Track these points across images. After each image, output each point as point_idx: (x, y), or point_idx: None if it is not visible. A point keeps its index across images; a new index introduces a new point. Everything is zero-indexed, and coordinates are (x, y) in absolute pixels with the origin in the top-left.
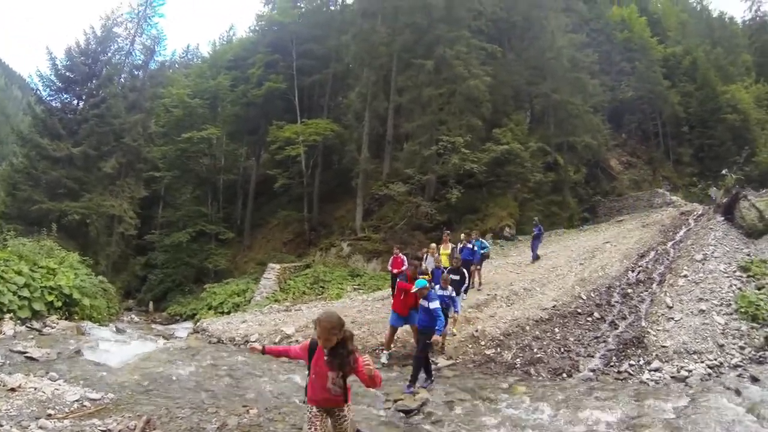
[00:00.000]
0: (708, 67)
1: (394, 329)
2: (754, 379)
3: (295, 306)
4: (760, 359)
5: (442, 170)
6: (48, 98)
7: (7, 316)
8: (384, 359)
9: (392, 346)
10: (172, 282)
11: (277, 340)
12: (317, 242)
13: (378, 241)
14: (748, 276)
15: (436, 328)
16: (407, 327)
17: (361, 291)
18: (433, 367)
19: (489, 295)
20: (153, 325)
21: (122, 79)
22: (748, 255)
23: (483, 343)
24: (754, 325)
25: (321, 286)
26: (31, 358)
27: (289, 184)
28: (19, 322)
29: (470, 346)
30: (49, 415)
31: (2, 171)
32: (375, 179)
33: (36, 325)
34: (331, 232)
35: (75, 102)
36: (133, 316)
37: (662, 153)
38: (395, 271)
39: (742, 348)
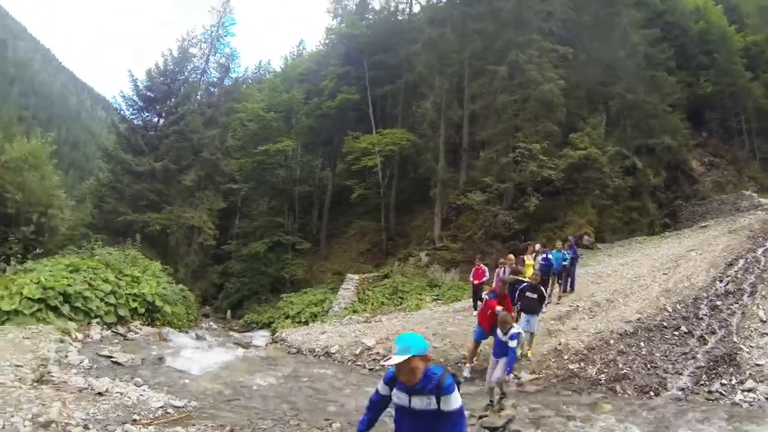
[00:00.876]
0: None
1: (477, 343)
2: None
3: (374, 317)
4: None
5: (520, 178)
6: (131, 117)
7: (95, 321)
8: (466, 373)
9: (475, 359)
10: (248, 290)
11: (357, 352)
12: (394, 252)
13: (456, 251)
14: None
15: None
16: (491, 340)
17: (440, 301)
18: (516, 381)
19: (571, 307)
20: (230, 333)
21: (199, 97)
22: None
23: (566, 357)
24: None
25: (400, 297)
26: (117, 363)
27: (366, 195)
28: (105, 326)
29: (553, 360)
30: (135, 420)
31: (90, 186)
32: (452, 188)
33: (121, 330)
34: (408, 242)
35: (155, 119)
36: (211, 323)
37: (747, 152)
38: (476, 282)
39: None
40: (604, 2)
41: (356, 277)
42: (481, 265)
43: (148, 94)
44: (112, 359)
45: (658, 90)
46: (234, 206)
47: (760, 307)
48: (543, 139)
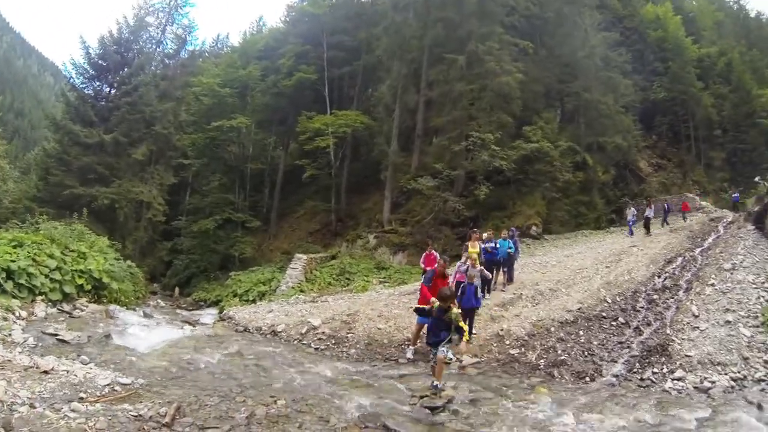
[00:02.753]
0: (743, 69)
1: (420, 326)
2: None
3: (321, 297)
4: None
5: (471, 166)
6: (81, 86)
7: (39, 298)
8: (409, 354)
9: (418, 342)
10: (197, 268)
11: (303, 331)
12: (343, 233)
13: (404, 235)
14: None
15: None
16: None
17: (386, 284)
18: (458, 365)
19: (515, 295)
20: (178, 310)
21: (154, 68)
22: None
23: (508, 342)
24: None
25: (347, 278)
26: (63, 341)
27: (317, 175)
28: (50, 304)
29: (495, 345)
30: (81, 398)
31: (35, 156)
32: (403, 173)
33: (66, 307)
34: (357, 224)
35: (107, 90)
36: (159, 300)
37: (693, 156)
38: (427, 268)
39: (766, 362)
40: (567, 1)
41: (304, 257)
42: (432, 250)
43: (100, 62)
44: (57, 337)
45: (613, 91)
46: (185, 182)
47: (694, 302)
48: (497, 129)
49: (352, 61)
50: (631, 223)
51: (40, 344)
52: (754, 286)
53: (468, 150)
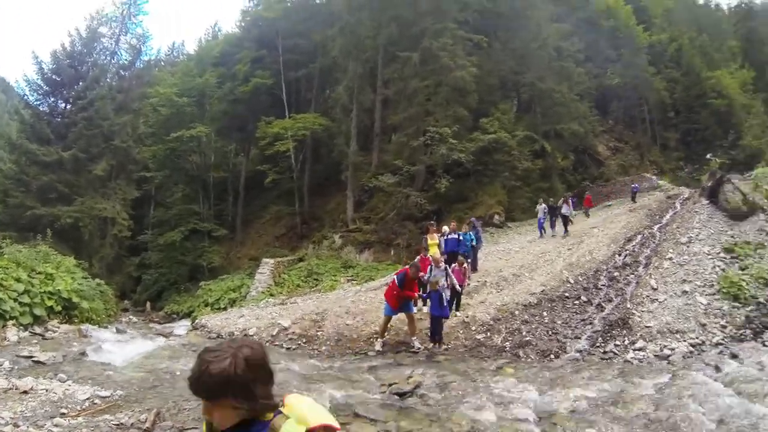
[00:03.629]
0: (693, 54)
1: (388, 318)
2: (734, 356)
3: (290, 299)
4: (741, 337)
5: (431, 160)
6: (35, 102)
7: (10, 323)
8: (378, 347)
9: (386, 334)
10: (166, 281)
11: (274, 333)
12: (309, 235)
13: (369, 232)
14: (732, 257)
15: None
16: (401, 315)
17: (354, 282)
18: (425, 352)
19: (479, 282)
20: (151, 325)
21: (109, 80)
22: (732, 237)
23: (474, 328)
24: (736, 304)
25: (315, 279)
26: (39, 362)
27: (280, 179)
28: (21, 328)
29: (461, 331)
30: (63, 414)
31: None
32: (364, 171)
33: (38, 330)
34: (322, 225)
35: (63, 105)
36: (131, 316)
37: (649, 138)
38: (422, 274)
39: (723, 327)
40: None
41: (271, 261)
42: (429, 256)
43: (54, 77)
44: (33, 359)
45: (567, 80)
46: (148, 195)
47: (652, 276)
48: (454, 123)
49: (308, 63)
50: (541, 222)
51: (16, 367)
52: (709, 256)
53: (426, 145)
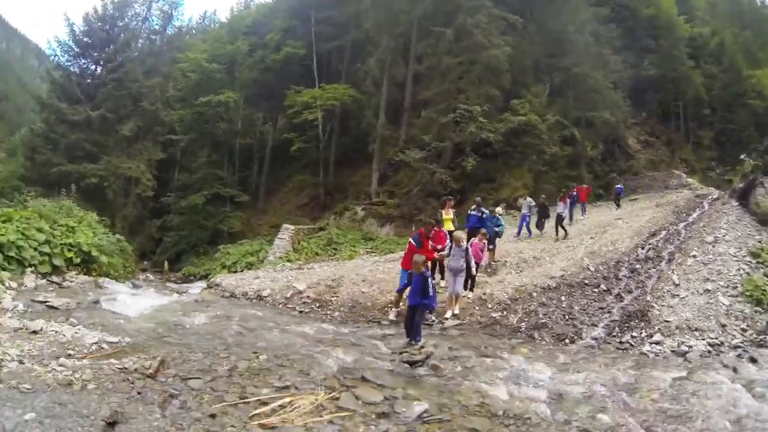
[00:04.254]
0: (735, 50)
1: (404, 288)
2: (753, 360)
3: (307, 265)
4: (761, 342)
5: (459, 138)
6: (66, 64)
7: (29, 270)
8: (392, 316)
9: (401, 304)
10: (186, 244)
11: (288, 296)
12: (332, 206)
13: (392, 206)
14: (758, 262)
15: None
16: None
17: (373, 254)
18: (440, 326)
19: (498, 261)
20: (168, 284)
21: (140, 44)
22: (760, 242)
23: (490, 305)
24: (758, 309)
25: (334, 248)
26: (52, 307)
27: (306, 149)
28: (39, 276)
29: (477, 308)
30: (69, 355)
31: (22, 136)
32: (392, 145)
33: (56, 279)
34: (345, 197)
35: (93, 67)
36: (148, 275)
37: (682, 135)
38: (438, 245)
39: (744, 330)
40: None
41: (292, 227)
42: (443, 228)
43: (86, 40)
44: (47, 304)
45: (603, 67)
46: (173, 158)
47: (675, 272)
48: (485, 102)
49: (341, 35)
50: (524, 220)
51: (30, 310)
52: (734, 258)
53: (456, 122)
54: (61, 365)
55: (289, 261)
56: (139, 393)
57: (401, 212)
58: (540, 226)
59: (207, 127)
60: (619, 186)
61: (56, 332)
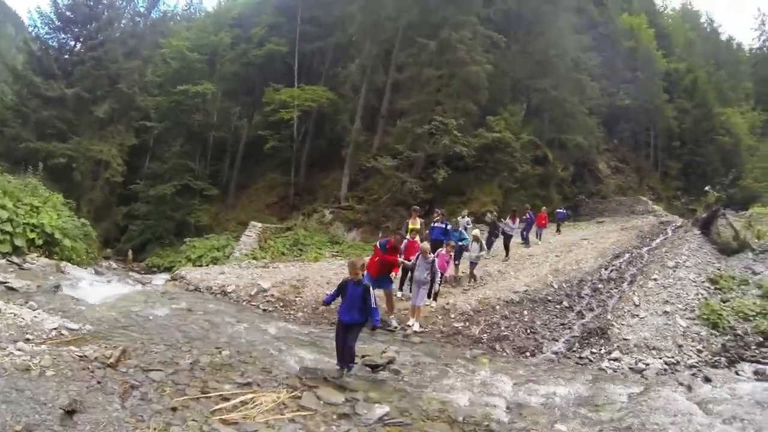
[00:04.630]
0: (708, 88)
1: None
2: (707, 380)
3: (273, 264)
4: (715, 364)
5: (432, 149)
6: (45, 37)
7: None
8: None
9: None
10: (152, 234)
11: (253, 293)
12: (301, 207)
13: (360, 212)
14: (716, 288)
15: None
16: (378, 292)
17: (339, 257)
18: (402, 333)
19: (463, 274)
20: (131, 273)
21: (123, 25)
22: (718, 269)
23: (453, 316)
24: (714, 332)
25: (300, 249)
26: (12, 289)
27: (279, 148)
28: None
29: (440, 317)
30: (28, 339)
31: None
32: (365, 151)
33: (16, 260)
34: (315, 199)
35: (72, 43)
36: (111, 263)
37: (651, 164)
38: (411, 257)
39: (699, 351)
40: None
41: (259, 225)
42: (417, 238)
43: (68, 14)
44: (6, 285)
45: (580, 93)
46: (146, 145)
47: (636, 293)
48: (461, 116)
49: (325, 37)
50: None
51: None
52: (694, 283)
53: (431, 134)
54: (19, 350)
55: (255, 258)
56: (99, 382)
57: (369, 218)
58: (489, 244)
59: (183, 116)
60: (560, 210)
61: (15, 315)
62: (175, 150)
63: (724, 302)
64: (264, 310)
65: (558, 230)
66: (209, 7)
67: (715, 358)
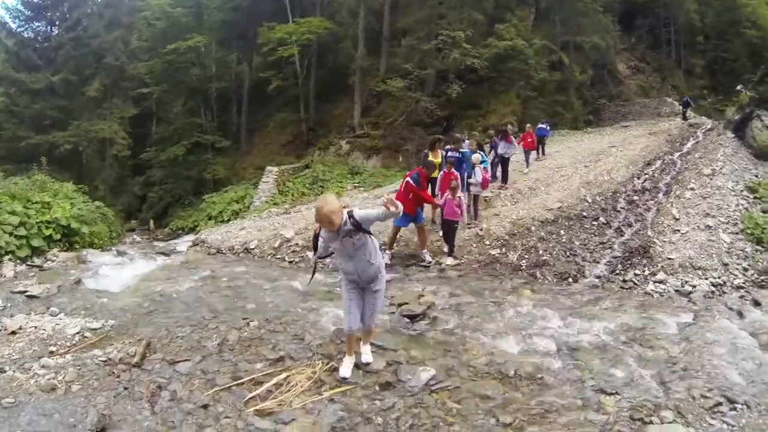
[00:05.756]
0: None
1: (398, 229)
2: (756, 303)
3: (294, 208)
4: (763, 283)
5: (442, 65)
6: (18, 30)
7: (6, 258)
8: (386, 259)
9: (395, 245)
10: (172, 197)
11: (276, 245)
12: (316, 142)
13: (377, 138)
14: (755, 197)
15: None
16: (412, 227)
17: (361, 188)
18: (438, 267)
19: (492, 193)
20: (155, 243)
21: None
22: (756, 176)
23: (488, 242)
24: (759, 248)
25: (320, 186)
26: (32, 296)
27: (284, 86)
28: (19, 261)
29: (474, 245)
30: (51, 352)
31: None
32: (372, 76)
33: (37, 261)
34: (329, 132)
35: (48, 29)
36: (134, 236)
37: (673, 62)
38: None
39: (745, 270)
40: None
41: (275, 169)
42: (453, 170)
43: (36, 1)
44: (26, 294)
45: None
46: (148, 112)
47: (674, 205)
48: (468, 27)
49: None
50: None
51: (9, 304)
52: (733, 193)
53: (438, 49)
54: (43, 367)
55: (275, 205)
56: (125, 388)
57: (386, 143)
58: (504, 174)
59: (179, 75)
60: (542, 126)
61: (36, 327)
62: (178, 109)
63: (765, 213)
64: (290, 262)
65: (542, 152)
66: None
67: (762, 277)
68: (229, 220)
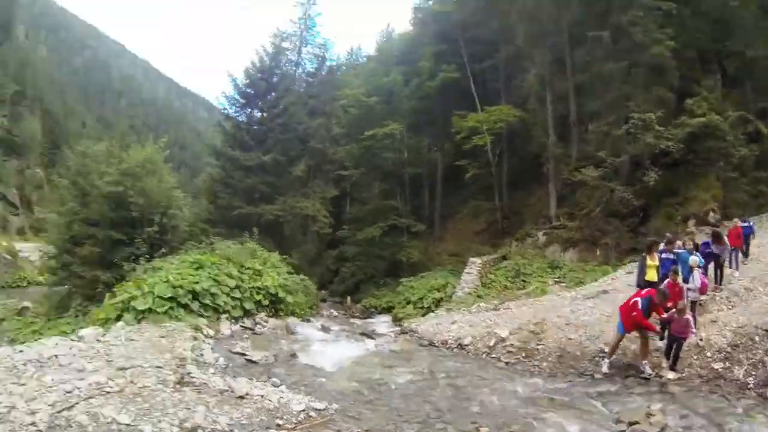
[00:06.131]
0: None
1: (621, 337)
2: None
3: (503, 304)
4: None
5: (635, 150)
6: (234, 115)
7: (224, 316)
8: (605, 368)
9: (614, 355)
10: (364, 274)
11: (491, 344)
12: (510, 231)
13: (573, 230)
14: None
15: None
16: (632, 335)
17: (563, 284)
18: (658, 381)
19: (707, 295)
20: (352, 320)
21: (298, 88)
22: None
23: (709, 354)
24: None
25: (522, 280)
26: (251, 361)
27: (477, 174)
28: (233, 321)
29: (695, 357)
30: (278, 425)
31: (203, 182)
32: (564, 164)
33: (248, 323)
34: (522, 221)
35: (258, 114)
36: (331, 310)
37: None
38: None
39: None
40: None
41: (479, 260)
42: (679, 281)
43: (248, 90)
44: (245, 357)
45: None
46: (343, 192)
47: None
48: (656, 107)
49: (492, 53)
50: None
51: (230, 364)
52: None
53: (629, 133)
54: None
55: (479, 297)
56: None
57: (583, 235)
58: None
59: (375, 159)
60: (744, 224)
61: (262, 396)
62: (375, 192)
63: None
64: (506, 362)
65: (746, 254)
66: (368, 51)
67: None
68: (429, 308)
